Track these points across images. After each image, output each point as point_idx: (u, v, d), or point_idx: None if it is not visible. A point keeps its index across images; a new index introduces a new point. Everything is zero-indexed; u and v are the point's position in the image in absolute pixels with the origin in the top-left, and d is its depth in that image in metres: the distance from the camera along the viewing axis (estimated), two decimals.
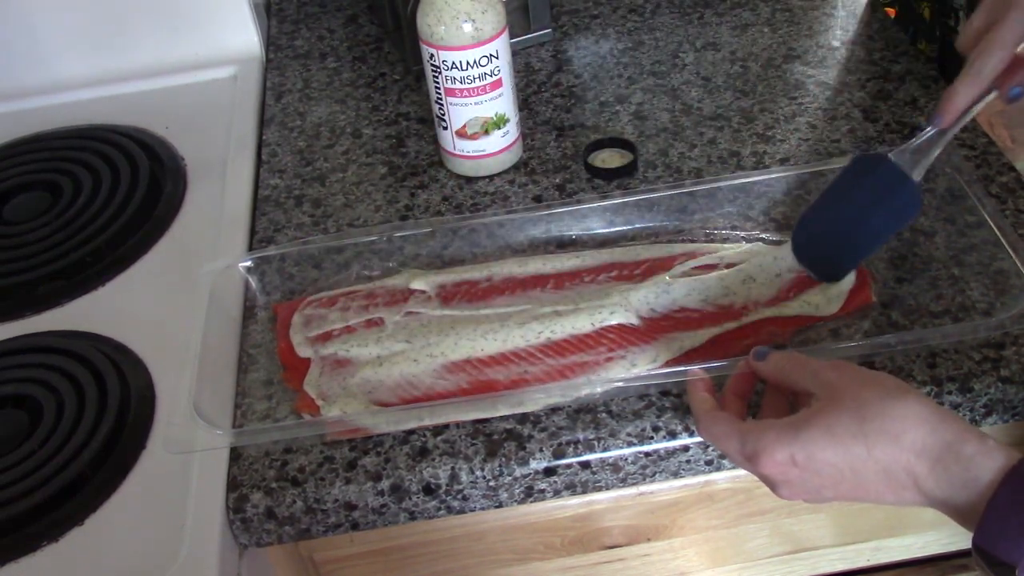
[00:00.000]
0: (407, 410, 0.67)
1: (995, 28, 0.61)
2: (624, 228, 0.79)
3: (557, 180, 0.86)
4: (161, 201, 0.90)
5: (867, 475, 0.52)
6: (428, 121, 0.94)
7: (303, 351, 0.72)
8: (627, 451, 0.66)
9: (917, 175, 0.67)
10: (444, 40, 0.78)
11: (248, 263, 0.77)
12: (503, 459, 0.65)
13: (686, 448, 0.66)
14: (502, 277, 0.76)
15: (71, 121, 1.00)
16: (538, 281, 0.75)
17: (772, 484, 0.55)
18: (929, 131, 0.66)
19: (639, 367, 0.68)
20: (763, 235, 0.77)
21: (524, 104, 0.94)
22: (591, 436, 0.66)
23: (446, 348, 0.70)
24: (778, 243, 0.76)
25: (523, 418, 0.67)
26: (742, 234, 0.77)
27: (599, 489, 0.68)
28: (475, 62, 0.79)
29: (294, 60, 1.06)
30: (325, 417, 0.67)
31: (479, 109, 0.82)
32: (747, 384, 0.62)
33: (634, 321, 0.70)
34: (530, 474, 0.66)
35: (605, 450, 0.66)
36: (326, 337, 0.73)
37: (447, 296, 0.75)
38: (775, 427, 0.54)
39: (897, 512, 0.81)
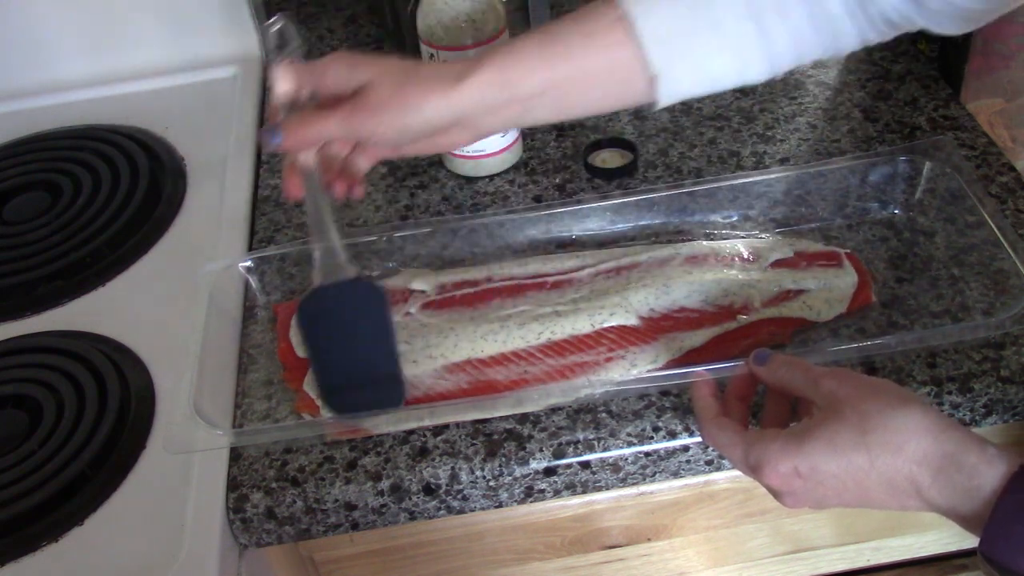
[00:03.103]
0: (407, 410, 0.67)
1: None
2: (624, 228, 0.79)
3: (557, 180, 0.86)
4: (161, 201, 0.90)
5: (870, 485, 0.52)
6: None
7: (303, 351, 0.72)
8: (627, 451, 0.66)
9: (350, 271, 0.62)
10: (444, 40, 0.78)
11: (248, 263, 0.77)
12: (503, 459, 0.65)
13: (686, 448, 0.66)
14: (502, 277, 0.76)
15: (71, 121, 1.00)
16: (538, 281, 0.75)
17: (776, 494, 0.55)
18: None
19: (639, 367, 0.68)
20: (763, 235, 0.77)
21: None
22: (591, 436, 0.66)
23: (446, 349, 0.70)
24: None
25: (523, 418, 0.67)
26: (742, 234, 0.77)
27: (599, 489, 0.68)
28: None
29: None
30: (325, 417, 0.67)
31: None
32: (749, 387, 0.62)
33: (634, 321, 0.70)
34: (530, 474, 0.66)
35: (605, 450, 0.66)
36: None
37: (447, 296, 0.75)
38: (778, 439, 0.54)
39: (898, 512, 0.80)
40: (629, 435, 0.66)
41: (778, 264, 0.74)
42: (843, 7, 0.58)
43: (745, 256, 0.75)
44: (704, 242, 0.77)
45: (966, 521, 0.51)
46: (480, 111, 0.59)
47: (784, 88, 0.92)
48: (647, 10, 0.58)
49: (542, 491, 0.67)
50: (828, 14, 0.58)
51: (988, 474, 0.49)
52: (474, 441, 0.66)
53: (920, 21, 0.59)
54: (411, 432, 0.67)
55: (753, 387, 0.62)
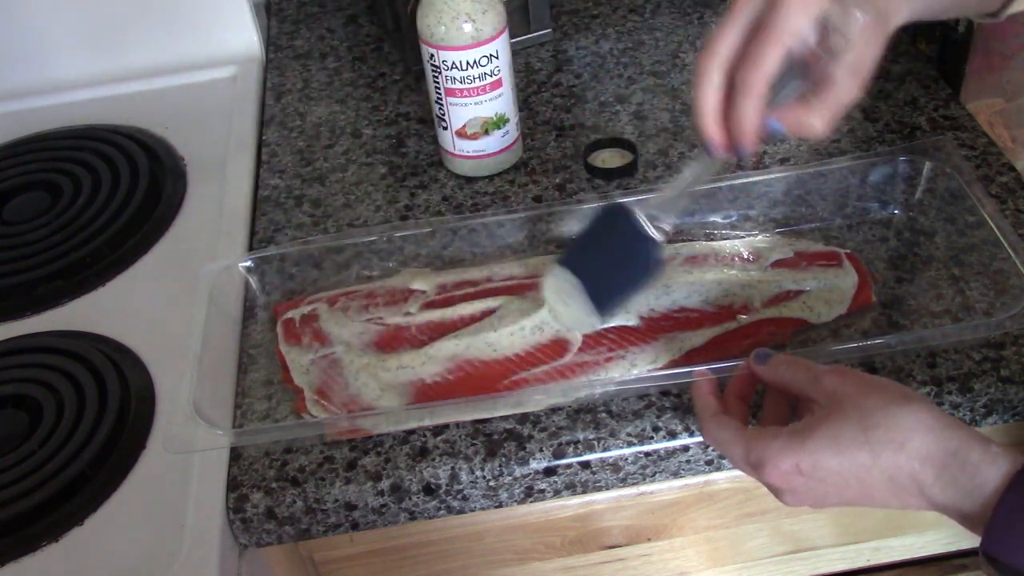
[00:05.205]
0: (407, 410, 0.67)
1: (764, 30, 0.56)
2: None
3: (557, 180, 0.86)
4: (161, 201, 0.90)
5: (872, 483, 0.52)
6: (428, 121, 0.94)
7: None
8: (627, 451, 0.66)
9: (669, 224, 0.64)
10: (444, 40, 0.78)
11: (248, 263, 0.77)
12: (503, 459, 0.65)
13: (686, 448, 0.66)
14: (502, 277, 0.76)
15: (71, 121, 1.00)
16: (538, 282, 0.75)
17: (777, 492, 0.55)
18: (693, 167, 0.64)
19: (639, 367, 0.68)
20: (763, 235, 0.77)
21: (524, 104, 0.94)
22: (591, 436, 0.66)
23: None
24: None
25: (523, 418, 0.67)
26: (742, 234, 0.77)
27: (599, 489, 0.68)
28: (475, 62, 0.79)
29: (294, 60, 1.06)
30: (325, 417, 0.67)
31: (479, 109, 0.82)
32: (749, 386, 0.62)
33: (634, 321, 0.70)
34: (530, 474, 0.66)
35: (605, 450, 0.66)
36: None
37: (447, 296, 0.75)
38: (780, 436, 0.54)
39: (897, 512, 0.80)
40: (629, 435, 0.66)
41: (778, 264, 0.74)
42: None
43: (745, 256, 0.75)
44: (704, 242, 0.77)
45: (968, 519, 0.51)
46: None
47: None
48: None
49: (542, 491, 0.67)
50: None
51: (991, 472, 0.49)
52: (474, 441, 0.66)
53: None
54: (411, 432, 0.67)
55: (753, 387, 0.62)
